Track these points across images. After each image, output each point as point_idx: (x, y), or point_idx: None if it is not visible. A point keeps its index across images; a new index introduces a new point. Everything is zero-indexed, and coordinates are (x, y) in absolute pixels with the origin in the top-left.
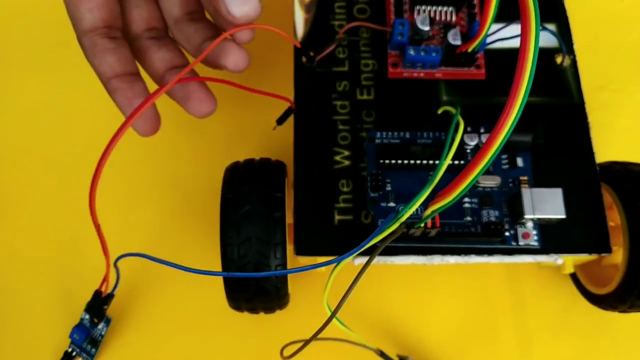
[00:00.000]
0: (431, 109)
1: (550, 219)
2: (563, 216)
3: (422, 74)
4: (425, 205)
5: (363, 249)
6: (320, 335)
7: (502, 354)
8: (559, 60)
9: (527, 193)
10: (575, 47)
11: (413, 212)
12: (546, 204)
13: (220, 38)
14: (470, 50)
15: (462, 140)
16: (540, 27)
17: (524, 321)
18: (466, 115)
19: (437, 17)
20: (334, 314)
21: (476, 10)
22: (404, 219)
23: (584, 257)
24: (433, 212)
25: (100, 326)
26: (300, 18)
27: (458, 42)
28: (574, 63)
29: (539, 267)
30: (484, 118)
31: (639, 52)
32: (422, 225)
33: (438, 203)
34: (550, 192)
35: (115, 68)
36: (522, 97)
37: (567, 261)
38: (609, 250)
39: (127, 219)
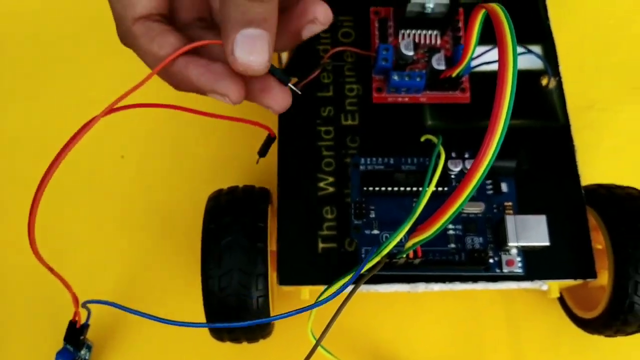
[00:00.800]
0: (416, 134)
1: (534, 246)
2: (547, 244)
3: (406, 99)
4: (408, 234)
5: (347, 289)
6: None
7: None
8: (544, 82)
9: (510, 220)
10: (561, 68)
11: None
12: (530, 232)
13: (188, 47)
14: (454, 75)
15: (446, 166)
16: (525, 50)
17: (512, 345)
18: (451, 140)
19: (422, 41)
20: (318, 342)
21: (461, 33)
22: (385, 252)
23: (569, 282)
24: (414, 244)
25: (82, 352)
26: None
27: (442, 67)
28: (559, 84)
29: (526, 291)
30: (469, 142)
31: (624, 72)
32: (405, 256)
33: (419, 236)
34: (534, 219)
35: (179, 48)
36: (501, 132)
37: (553, 286)
38: (594, 275)
39: (107, 247)
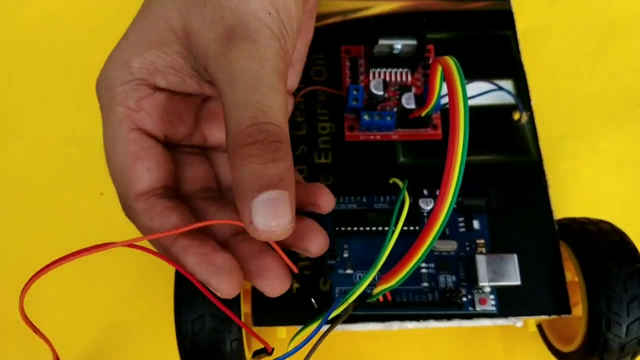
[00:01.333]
0: (389, 172)
1: (505, 285)
2: (518, 283)
3: (378, 137)
4: (380, 275)
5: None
6: None
7: None
8: (516, 117)
9: (481, 260)
10: (535, 98)
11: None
12: (501, 271)
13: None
14: (423, 115)
15: (417, 205)
16: (495, 87)
17: None
18: (423, 177)
19: (393, 78)
20: None
21: None
22: (352, 298)
23: (544, 317)
24: (382, 291)
25: None
26: None
27: (412, 106)
28: (531, 119)
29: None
30: (438, 179)
31: (599, 101)
32: (374, 299)
33: (385, 284)
34: (504, 258)
35: (181, 227)
36: (456, 178)
37: (529, 321)
38: (568, 311)
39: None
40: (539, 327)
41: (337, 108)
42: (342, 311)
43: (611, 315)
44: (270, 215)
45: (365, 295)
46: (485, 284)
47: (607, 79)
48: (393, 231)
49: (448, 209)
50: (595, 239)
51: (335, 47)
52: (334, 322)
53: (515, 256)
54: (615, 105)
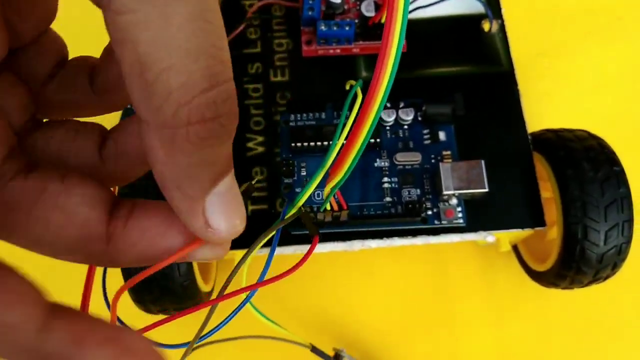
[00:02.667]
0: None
1: (472, 193)
2: (485, 189)
3: (338, 50)
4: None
5: (259, 244)
6: (246, 334)
7: (438, 341)
8: (486, 27)
9: (445, 168)
10: (504, 11)
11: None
12: (467, 178)
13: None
14: (383, 20)
15: (379, 117)
16: None
17: (461, 305)
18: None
19: None
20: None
21: None
22: (300, 204)
23: (518, 233)
24: (332, 190)
25: None
26: None
27: (372, 14)
28: (502, 28)
29: (477, 246)
30: (405, 92)
31: (577, 17)
32: (328, 207)
33: (332, 180)
34: (471, 164)
35: None
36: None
37: (502, 238)
38: (542, 223)
39: None
40: (515, 248)
41: (294, 23)
42: (290, 216)
43: (587, 221)
44: (232, 211)
45: (318, 205)
46: (450, 192)
47: None
48: (342, 129)
49: (389, 75)
50: (570, 143)
51: None
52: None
53: (482, 162)
54: (594, 20)
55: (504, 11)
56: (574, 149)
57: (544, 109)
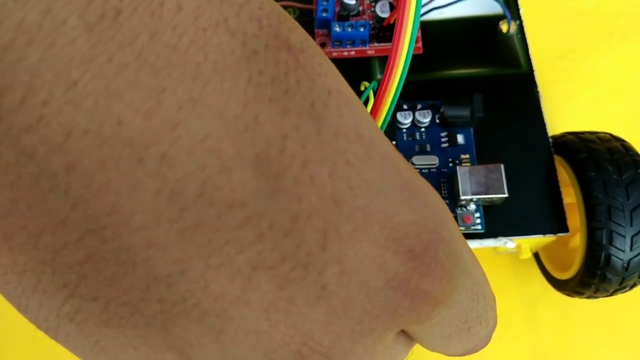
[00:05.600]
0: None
1: (491, 199)
2: (505, 195)
3: (352, 52)
4: None
5: None
6: None
7: None
8: (504, 28)
9: (463, 172)
10: (522, 11)
11: None
12: (486, 182)
13: None
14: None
15: (395, 119)
16: None
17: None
18: (402, 93)
19: None
20: None
21: None
22: None
23: (540, 240)
24: None
25: None
26: None
27: (386, 15)
28: (520, 29)
29: (496, 254)
30: (422, 93)
31: (599, 18)
32: None
33: None
34: (489, 169)
35: None
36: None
37: (523, 245)
38: (565, 229)
39: None
40: (536, 256)
41: (308, 25)
42: None
43: (612, 225)
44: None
45: None
46: (467, 197)
47: None
48: None
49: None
50: (592, 145)
51: None
52: None
53: (501, 166)
54: (616, 21)
55: (522, 12)
56: (597, 151)
57: (564, 112)
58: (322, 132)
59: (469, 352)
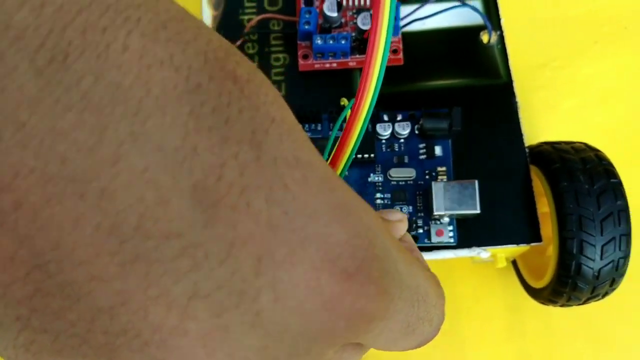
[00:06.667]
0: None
1: (463, 214)
2: (477, 211)
3: (334, 64)
4: None
5: None
6: None
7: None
8: (485, 38)
9: (438, 187)
10: (503, 21)
11: None
12: (459, 199)
13: None
14: None
15: (375, 131)
16: (460, 3)
17: (461, 324)
18: (383, 105)
19: (352, 2)
20: None
21: None
22: None
23: (515, 249)
24: None
25: None
26: (208, 15)
27: (367, 27)
28: (501, 39)
29: (473, 263)
30: (403, 105)
31: (582, 27)
32: None
33: None
34: (463, 185)
35: None
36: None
37: (499, 254)
38: (539, 239)
39: None
40: (514, 264)
41: (292, 38)
42: None
43: (583, 235)
44: None
45: None
46: (441, 213)
47: (589, 1)
48: (331, 148)
49: (373, 93)
50: (566, 155)
51: None
52: None
53: (476, 182)
54: (600, 29)
55: (503, 22)
56: (570, 161)
57: (545, 121)
58: (261, 158)
59: (419, 346)
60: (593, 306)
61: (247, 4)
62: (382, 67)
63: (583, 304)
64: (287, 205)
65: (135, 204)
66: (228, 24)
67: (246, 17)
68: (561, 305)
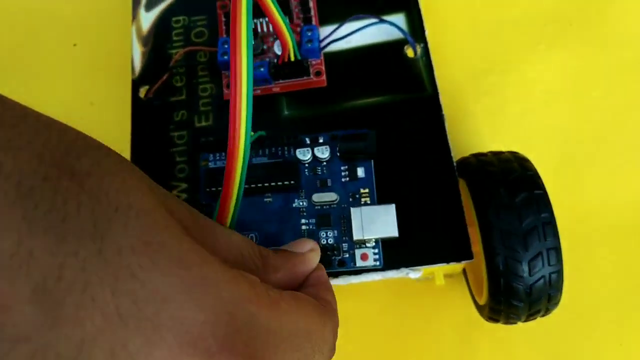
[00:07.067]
0: (272, 126)
1: (382, 238)
2: (395, 235)
3: (258, 91)
4: None
5: None
6: None
7: None
8: (409, 52)
9: (356, 212)
10: (428, 32)
11: None
12: (377, 223)
13: None
14: (292, 59)
15: (295, 157)
16: (377, 20)
17: (412, 345)
18: (307, 128)
19: (272, 29)
20: None
21: (312, 13)
22: None
23: (449, 266)
24: None
25: None
26: (137, 52)
27: (280, 52)
28: (425, 51)
29: (417, 281)
30: (327, 127)
31: (524, 27)
32: None
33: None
34: (381, 209)
35: None
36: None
37: (436, 272)
38: (469, 256)
39: None
40: (466, 278)
41: (217, 68)
42: None
43: (507, 251)
44: None
45: None
46: (360, 238)
47: (531, 0)
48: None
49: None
50: (488, 167)
51: (215, 5)
52: None
53: (393, 206)
54: (543, 28)
55: (427, 33)
56: (492, 173)
57: (490, 129)
58: (103, 250)
59: None
60: (548, 320)
61: (175, 38)
62: (249, 104)
63: (527, 321)
64: (136, 294)
65: None
66: (157, 58)
67: (174, 51)
68: (505, 323)
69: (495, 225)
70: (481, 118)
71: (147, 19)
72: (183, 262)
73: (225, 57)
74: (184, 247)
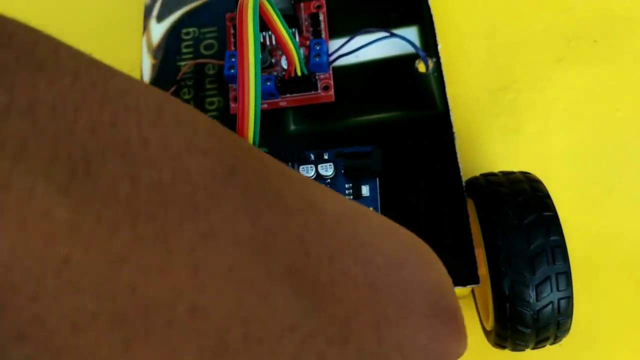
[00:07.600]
0: (278, 141)
1: None
2: None
3: (265, 105)
4: None
5: None
6: None
7: None
8: (421, 67)
9: None
10: (440, 47)
11: None
12: None
13: None
14: (299, 74)
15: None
16: (388, 34)
17: None
18: (313, 143)
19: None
20: None
21: (322, 27)
22: None
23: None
24: None
25: None
26: (147, 64)
27: (286, 66)
28: (437, 67)
29: None
30: (334, 144)
31: (546, 42)
32: None
33: None
34: None
35: None
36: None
37: None
38: (476, 280)
39: None
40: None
41: (225, 81)
42: None
43: (514, 275)
44: None
45: None
46: None
47: (557, 13)
48: None
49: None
50: (497, 187)
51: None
52: None
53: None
54: (566, 45)
55: (440, 47)
56: (500, 194)
57: (504, 149)
58: (325, 221)
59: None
60: (557, 348)
61: (184, 50)
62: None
63: (535, 348)
64: (376, 260)
65: (234, 314)
66: (166, 71)
67: (183, 63)
68: (512, 350)
69: (502, 247)
70: (496, 137)
71: (158, 30)
72: (391, 228)
73: (232, 70)
74: (383, 218)
